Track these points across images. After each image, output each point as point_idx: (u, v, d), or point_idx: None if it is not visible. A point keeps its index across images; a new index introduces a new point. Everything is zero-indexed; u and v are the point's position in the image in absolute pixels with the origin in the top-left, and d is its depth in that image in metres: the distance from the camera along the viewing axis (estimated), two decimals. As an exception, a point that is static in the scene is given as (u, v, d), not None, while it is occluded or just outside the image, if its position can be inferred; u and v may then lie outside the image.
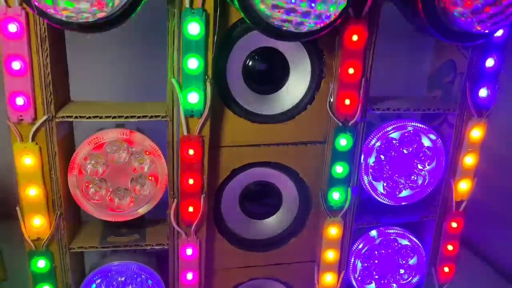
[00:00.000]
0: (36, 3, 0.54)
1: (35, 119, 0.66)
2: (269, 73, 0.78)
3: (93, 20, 0.54)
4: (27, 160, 0.67)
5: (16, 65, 0.62)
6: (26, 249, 0.73)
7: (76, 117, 0.68)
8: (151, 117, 0.71)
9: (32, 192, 0.69)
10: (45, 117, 0.66)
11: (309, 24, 0.59)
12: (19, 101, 0.64)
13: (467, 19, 0.60)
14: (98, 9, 0.53)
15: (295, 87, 0.78)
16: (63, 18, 0.54)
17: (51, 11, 0.53)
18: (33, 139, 0.67)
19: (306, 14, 0.58)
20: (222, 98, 0.75)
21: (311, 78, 0.77)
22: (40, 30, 0.62)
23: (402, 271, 0.91)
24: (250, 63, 0.76)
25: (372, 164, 0.81)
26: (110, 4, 0.54)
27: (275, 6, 0.58)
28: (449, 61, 0.80)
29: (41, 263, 0.73)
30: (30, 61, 0.63)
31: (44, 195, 0.69)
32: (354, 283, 0.89)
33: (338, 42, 0.72)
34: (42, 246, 0.72)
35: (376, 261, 0.89)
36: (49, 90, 0.66)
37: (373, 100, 0.79)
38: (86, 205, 0.74)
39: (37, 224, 0.70)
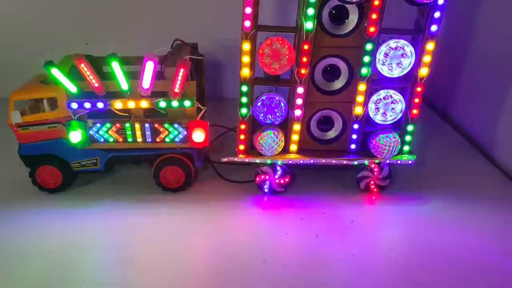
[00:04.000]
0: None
1: (251, 29, 1.75)
2: (339, 15, 1.81)
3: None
4: (246, 46, 1.77)
5: (248, 9, 1.71)
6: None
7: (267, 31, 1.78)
8: (293, 31, 1.79)
9: (245, 59, 1.81)
10: (254, 30, 1.76)
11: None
12: (248, 10, 1.73)
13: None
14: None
15: (351, 21, 1.81)
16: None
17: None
18: (248, 39, 1.77)
19: (356, -5, 1.61)
20: (319, 25, 1.80)
21: (358, 17, 1.78)
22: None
23: (393, 110, 1.96)
24: (332, 11, 1.80)
25: (381, 57, 1.85)
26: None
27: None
28: (420, 14, 1.81)
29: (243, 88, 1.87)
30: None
31: (250, 61, 1.81)
32: (370, 114, 1.97)
33: (369, 3, 1.74)
34: (246, 80, 1.86)
35: (381, 104, 1.95)
36: (257, 21, 1.74)
37: (386, 30, 1.81)
38: (263, 66, 1.85)
39: (246, 72, 1.83)
